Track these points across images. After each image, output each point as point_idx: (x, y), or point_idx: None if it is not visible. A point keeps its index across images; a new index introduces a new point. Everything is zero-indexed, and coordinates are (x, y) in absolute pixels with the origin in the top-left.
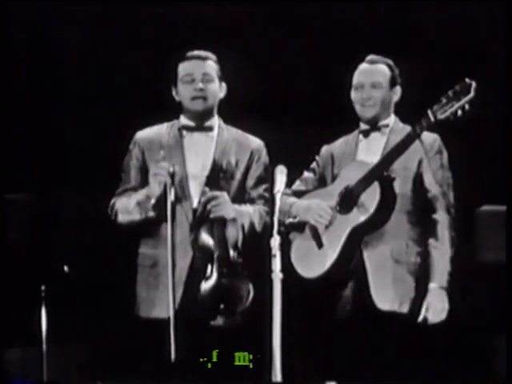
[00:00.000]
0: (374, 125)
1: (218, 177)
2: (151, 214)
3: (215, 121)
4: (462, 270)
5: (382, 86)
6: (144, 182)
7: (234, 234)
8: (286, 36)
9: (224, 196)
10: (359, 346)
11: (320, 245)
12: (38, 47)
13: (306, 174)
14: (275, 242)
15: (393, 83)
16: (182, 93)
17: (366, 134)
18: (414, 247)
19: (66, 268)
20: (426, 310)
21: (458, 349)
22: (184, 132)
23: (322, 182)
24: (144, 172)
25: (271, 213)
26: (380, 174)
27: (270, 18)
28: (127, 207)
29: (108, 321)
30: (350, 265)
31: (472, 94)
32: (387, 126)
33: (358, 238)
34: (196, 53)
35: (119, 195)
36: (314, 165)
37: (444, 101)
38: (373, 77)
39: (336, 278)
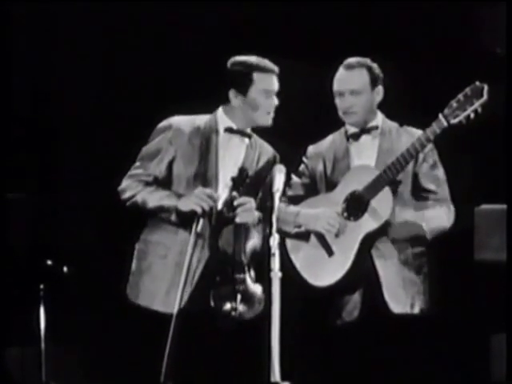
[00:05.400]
0: (363, 127)
1: (244, 182)
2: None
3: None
4: (461, 270)
5: (362, 91)
6: (166, 175)
7: (255, 240)
8: (284, 35)
9: (252, 202)
10: (362, 350)
11: (330, 253)
12: (38, 47)
13: (295, 178)
14: (274, 240)
15: (374, 84)
16: (259, 103)
17: (355, 137)
18: (418, 247)
19: (64, 268)
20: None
21: (457, 348)
22: (221, 132)
23: (312, 185)
24: (169, 166)
25: (270, 213)
26: (390, 179)
27: (269, 18)
28: (146, 202)
29: (107, 320)
30: (362, 270)
31: (485, 96)
32: (377, 127)
33: (369, 244)
34: (269, 64)
35: (135, 177)
36: (302, 168)
37: (455, 105)
38: (351, 84)
39: (349, 285)
